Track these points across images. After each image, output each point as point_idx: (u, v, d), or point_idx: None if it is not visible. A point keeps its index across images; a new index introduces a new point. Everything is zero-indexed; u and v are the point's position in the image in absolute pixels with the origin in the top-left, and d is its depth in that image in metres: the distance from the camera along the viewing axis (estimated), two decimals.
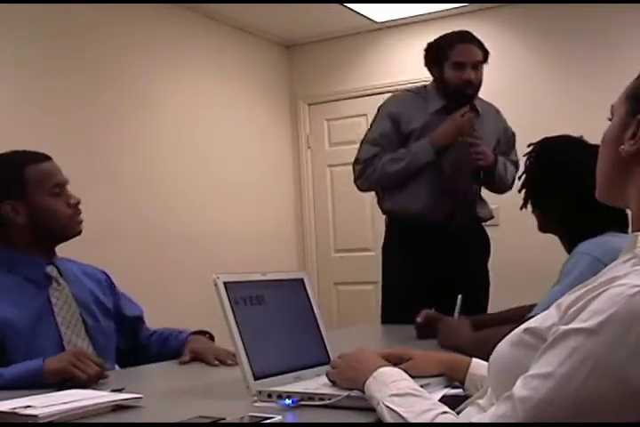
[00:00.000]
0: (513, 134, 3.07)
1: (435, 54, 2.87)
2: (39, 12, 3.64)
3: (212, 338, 2.04)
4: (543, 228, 2.00)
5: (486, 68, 4.85)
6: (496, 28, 4.69)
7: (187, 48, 4.52)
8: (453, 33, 2.89)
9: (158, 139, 4.26)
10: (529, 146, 2.03)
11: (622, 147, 0.97)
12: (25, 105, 3.57)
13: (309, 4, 4.48)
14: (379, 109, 2.98)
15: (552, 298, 1.71)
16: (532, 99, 4.54)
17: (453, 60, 2.81)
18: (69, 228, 1.88)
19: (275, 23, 4.93)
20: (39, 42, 3.65)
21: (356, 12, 4.67)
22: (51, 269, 1.88)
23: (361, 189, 3.05)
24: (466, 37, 2.85)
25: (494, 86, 4.64)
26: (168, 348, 2.00)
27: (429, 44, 2.91)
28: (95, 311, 1.93)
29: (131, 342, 2.04)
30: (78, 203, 1.90)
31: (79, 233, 1.91)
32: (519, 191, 2.04)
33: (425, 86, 2.98)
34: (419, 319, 2.17)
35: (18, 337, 1.73)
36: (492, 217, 3.02)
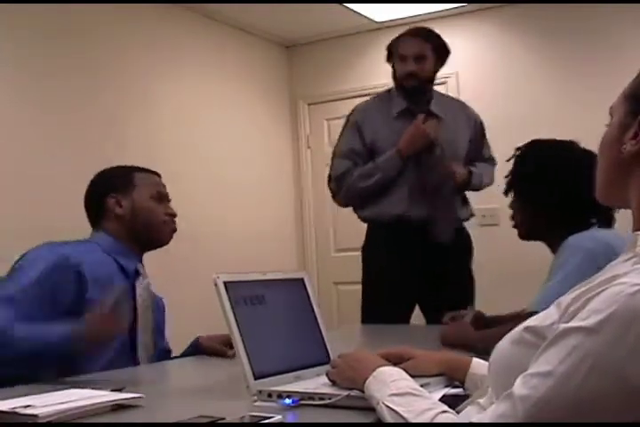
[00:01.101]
0: (481, 124, 3.06)
1: (388, 51, 2.93)
2: (39, 13, 3.63)
3: None
4: (529, 233, 2.01)
5: (486, 68, 4.85)
6: (496, 28, 4.69)
7: (187, 48, 4.52)
8: (408, 29, 2.96)
9: (158, 139, 4.26)
10: (517, 149, 2.05)
11: (624, 146, 0.97)
12: (25, 105, 3.57)
13: (309, 3, 4.48)
14: (347, 119, 3.00)
15: (549, 292, 1.72)
16: (532, 99, 4.54)
17: (398, 53, 2.87)
18: (162, 233, 2.02)
19: (275, 23, 4.93)
20: (39, 42, 3.65)
21: (355, 11, 4.67)
22: (140, 266, 1.99)
23: (341, 206, 3.07)
24: (412, 31, 2.92)
25: (494, 86, 4.65)
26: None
27: (389, 43, 2.97)
28: (155, 323, 2.03)
29: None
30: (175, 215, 2.04)
31: (167, 243, 2.05)
32: (505, 194, 2.05)
33: (389, 89, 2.99)
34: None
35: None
36: (472, 216, 3.02)
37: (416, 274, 2.83)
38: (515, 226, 2.04)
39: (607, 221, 1.93)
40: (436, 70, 2.91)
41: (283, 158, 5.28)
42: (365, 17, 4.77)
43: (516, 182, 2.02)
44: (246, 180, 4.84)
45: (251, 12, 4.65)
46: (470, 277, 2.96)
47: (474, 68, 4.72)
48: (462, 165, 2.91)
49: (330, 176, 2.98)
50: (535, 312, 1.60)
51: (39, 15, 3.64)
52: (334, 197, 3.00)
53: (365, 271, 2.98)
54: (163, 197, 2.04)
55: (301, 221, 5.32)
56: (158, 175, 2.10)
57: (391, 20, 4.84)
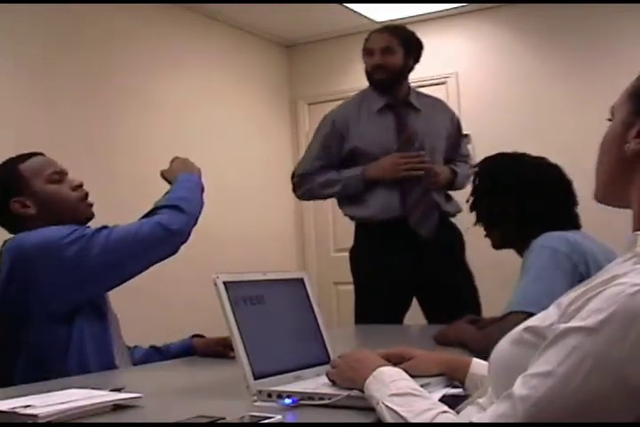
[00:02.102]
0: (458, 121, 3.08)
1: (362, 50, 2.99)
2: (40, 11, 3.64)
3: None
4: (502, 243, 2.06)
5: (486, 68, 4.85)
6: (496, 27, 4.69)
7: (187, 48, 4.52)
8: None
9: (157, 138, 4.26)
10: (474, 167, 2.11)
11: (628, 145, 0.97)
12: (24, 103, 3.57)
13: (309, 3, 4.48)
14: (324, 118, 3.03)
15: (525, 291, 1.77)
16: (533, 98, 4.54)
17: (365, 48, 2.95)
18: (80, 211, 1.93)
19: (275, 23, 4.93)
20: (39, 40, 3.65)
21: (355, 11, 4.67)
22: None
23: (299, 199, 3.13)
24: (381, 28, 2.99)
25: (494, 86, 4.65)
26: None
27: None
28: None
29: None
30: (81, 185, 1.95)
31: (92, 216, 1.96)
32: (470, 211, 2.10)
33: (363, 91, 3.03)
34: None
35: None
36: (459, 211, 2.99)
37: (407, 274, 2.81)
38: (486, 236, 2.10)
39: (574, 224, 1.98)
40: (407, 64, 2.92)
41: (283, 158, 5.27)
42: (365, 17, 4.77)
43: (476, 199, 2.09)
44: (246, 180, 4.84)
45: (251, 12, 4.65)
46: (469, 274, 2.92)
47: (474, 68, 4.72)
48: (442, 163, 2.92)
49: (293, 173, 3.03)
50: (519, 312, 1.66)
51: (40, 14, 3.65)
52: (294, 191, 3.05)
53: (355, 272, 2.97)
54: (60, 175, 1.92)
55: (301, 221, 5.32)
56: (39, 154, 1.96)
57: (391, 20, 4.83)
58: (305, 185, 2.95)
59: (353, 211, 2.94)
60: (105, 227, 1.81)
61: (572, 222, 1.99)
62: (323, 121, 3.02)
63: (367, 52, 2.92)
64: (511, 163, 2.06)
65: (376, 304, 2.82)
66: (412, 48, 2.92)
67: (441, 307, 2.81)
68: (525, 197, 1.94)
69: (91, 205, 1.96)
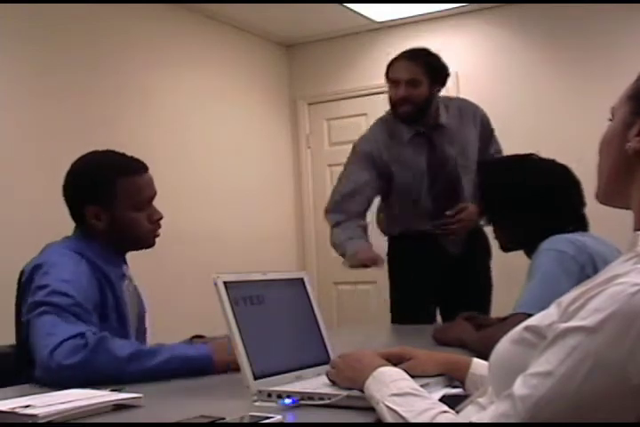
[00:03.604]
0: (486, 120, 2.98)
1: (385, 78, 2.86)
2: (40, 9, 3.63)
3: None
4: (509, 245, 2.07)
5: (486, 68, 4.84)
6: (496, 27, 4.69)
7: (187, 48, 4.52)
8: (402, 51, 2.87)
9: (157, 139, 4.25)
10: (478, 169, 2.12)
11: (629, 144, 0.97)
12: (23, 103, 3.56)
13: (309, 4, 4.48)
14: (354, 147, 2.90)
15: (529, 295, 1.78)
16: (533, 98, 4.54)
17: (389, 77, 2.81)
18: (144, 241, 1.90)
19: (275, 23, 4.93)
20: (39, 40, 3.65)
21: (355, 12, 4.67)
22: (125, 269, 1.91)
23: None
24: (404, 54, 2.83)
25: (494, 86, 4.65)
26: None
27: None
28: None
29: None
30: (160, 219, 1.91)
31: (152, 246, 1.92)
32: (479, 215, 2.11)
33: (388, 117, 2.92)
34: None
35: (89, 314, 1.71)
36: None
37: (439, 277, 2.85)
38: (494, 238, 2.12)
39: (582, 226, 1.98)
40: (433, 93, 2.81)
41: (283, 158, 5.27)
42: (365, 17, 4.77)
43: (482, 202, 2.13)
44: (246, 180, 4.84)
45: (251, 12, 4.65)
46: (489, 280, 2.96)
47: (474, 68, 4.72)
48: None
49: (333, 193, 2.94)
50: (523, 314, 1.67)
51: (40, 11, 3.65)
52: (326, 213, 2.96)
53: (392, 274, 2.97)
54: (148, 202, 1.89)
55: (301, 221, 5.32)
56: (144, 170, 1.90)
57: (391, 20, 4.85)
58: (341, 213, 2.85)
59: (393, 229, 2.96)
60: (58, 307, 1.60)
61: (580, 224, 1.97)
62: (352, 151, 2.91)
63: (392, 83, 2.79)
64: (516, 165, 2.05)
65: (414, 306, 2.84)
66: (437, 75, 2.80)
67: (454, 308, 2.84)
68: (529, 199, 1.94)
69: (156, 236, 1.91)
